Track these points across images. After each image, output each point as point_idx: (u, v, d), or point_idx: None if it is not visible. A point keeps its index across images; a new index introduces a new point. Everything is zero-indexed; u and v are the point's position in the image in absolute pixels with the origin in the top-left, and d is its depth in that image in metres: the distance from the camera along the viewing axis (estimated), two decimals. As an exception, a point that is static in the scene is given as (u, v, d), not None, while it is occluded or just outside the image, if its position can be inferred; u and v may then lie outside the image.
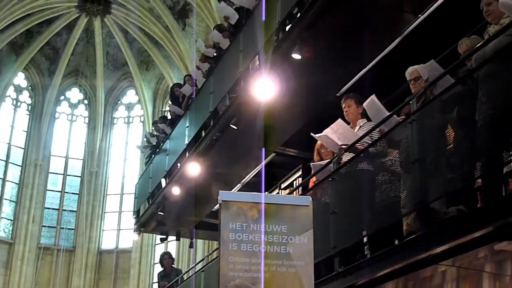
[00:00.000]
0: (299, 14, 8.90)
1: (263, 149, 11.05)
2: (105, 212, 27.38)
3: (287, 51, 9.02)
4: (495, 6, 5.48)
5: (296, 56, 8.90)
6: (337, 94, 9.53)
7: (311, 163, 7.82)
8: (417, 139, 5.87)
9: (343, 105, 7.21)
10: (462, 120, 5.59)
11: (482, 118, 5.19)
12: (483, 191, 5.55)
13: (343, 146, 6.88)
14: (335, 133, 6.94)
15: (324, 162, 7.37)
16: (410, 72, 6.53)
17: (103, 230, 27.07)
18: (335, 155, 7.13)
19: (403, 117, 6.15)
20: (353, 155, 6.83)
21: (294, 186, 12.18)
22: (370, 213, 6.60)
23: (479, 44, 5.65)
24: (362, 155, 6.74)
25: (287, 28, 9.18)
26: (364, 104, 6.71)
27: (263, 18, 9.90)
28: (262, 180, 12.07)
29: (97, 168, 27.53)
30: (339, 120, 7.03)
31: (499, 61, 5.05)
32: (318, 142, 7.66)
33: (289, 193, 10.79)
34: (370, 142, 6.71)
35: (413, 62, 6.74)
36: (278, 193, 13.00)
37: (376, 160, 6.69)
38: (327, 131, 7.01)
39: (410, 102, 6.10)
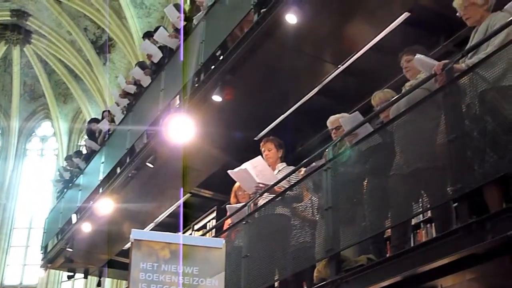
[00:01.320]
0: (222, 57, 8.97)
1: (181, 189, 10.99)
2: (10, 246, 26.44)
3: (208, 93, 9.06)
4: (413, 63, 5.68)
5: (217, 98, 8.94)
6: (255, 138, 9.61)
7: (226, 205, 7.81)
8: (331, 186, 5.95)
9: (263, 149, 7.25)
10: (375, 170, 5.71)
11: (394, 169, 5.32)
12: (392, 241, 5.66)
13: (261, 185, 6.89)
14: (254, 169, 6.95)
15: (240, 205, 7.37)
16: (332, 121, 6.65)
17: (7, 265, 26.11)
18: (251, 198, 7.14)
19: (322, 162, 6.23)
20: (269, 198, 6.85)
21: (208, 228, 12.11)
22: (282, 258, 6.61)
23: (393, 98, 5.83)
24: (278, 199, 6.77)
25: (210, 69, 9.24)
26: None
27: (181, 58, 9.95)
28: (181, 220, 11.98)
29: (5, 200, 26.64)
30: (259, 157, 7.06)
31: (413, 114, 5.21)
32: (236, 184, 7.66)
33: (202, 235, 10.72)
34: (288, 186, 6.74)
35: (334, 109, 6.89)
36: (191, 234, 12.90)
37: (292, 204, 6.73)
38: (246, 165, 7.01)
39: (327, 150, 6.20)
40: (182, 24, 10.86)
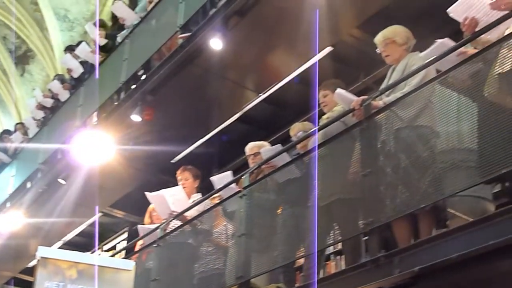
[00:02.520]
0: (144, 77, 8.91)
1: (97, 207, 10.77)
2: None
3: (127, 112, 8.97)
4: (331, 98, 5.79)
5: (136, 118, 8.86)
6: (172, 161, 9.55)
7: (138, 226, 7.69)
8: (246, 213, 5.95)
9: (180, 177, 7.17)
10: (291, 200, 5.76)
11: (311, 200, 5.37)
12: (303, 271, 5.71)
13: (174, 213, 6.83)
14: (172, 197, 6.88)
15: (153, 226, 7.27)
16: (250, 147, 6.67)
17: None
18: (164, 221, 7.06)
19: (239, 189, 6.23)
20: (181, 223, 6.79)
21: (118, 249, 11.90)
22: (191, 284, 6.55)
23: (311, 130, 5.91)
24: (189, 224, 6.72)
25: (131, 88, 9.16)
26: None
27: (97, 76, 9.84)
28: (96, 238, 11.72)
29: None
30: (180, 187, 7.00)
31: (330, 147, 5.29)
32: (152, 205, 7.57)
33: (112, 256, 10.52)
34: (200, 213, 6.70)
35: (253, 137, 6.92)
36: (100, 255, 12.64)
37: (203, 230, 6.69)
38: (165, 191, 6.94)
39: (243, 176, 6.21)
40: (97, 41, 10.73)
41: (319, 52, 7.67)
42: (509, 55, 4.04)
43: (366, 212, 4.74)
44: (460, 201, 4.77)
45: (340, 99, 5.40)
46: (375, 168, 4.74)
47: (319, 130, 5.62)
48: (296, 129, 6.40)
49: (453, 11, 4.33)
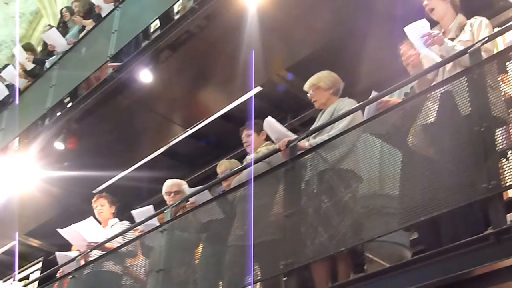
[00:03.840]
0: (70, 104, 8.78)
1: (17, 234, 10.43)
2: None
3: (50, 139, 8.80)
4: (255, 136, 5.83)
5: (59, 145, 8.70)
6: (93, 191, 9.38)
7: (56, 252, 7.45)
8: (165, 248, 5.88)
9: (95, 204, 7.03)
10: (212, 238, 5.73)
11: (233, 239, 5.36)
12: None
13: (92, 243, 6.68)
14: (85, 229, 6.74)
15: (71, 254, 7.08)
16: (168, 185, 6.62)
17: None
18: (82, 252, 6.89)
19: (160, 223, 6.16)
20: (99, 254, 6.65)
21: (31, 279, 11.54)
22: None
23: (237, 168, 5.92)
24: (109, 255, 6.58)
25: (56, 116, 9.00)
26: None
27: (17, 101, 9.66)
28: (15, 267, 11.31)
29: None
30: (91, 218, 6.86)
31: (254, 186, 5.30)
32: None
33: (24, 286, 10.18)
34: (119, 244, 6.58)
35: (177, 172, 6.88)
36: (11, 284, 12.21)
37: (123, 262, 6.57)
38: (75, 226, 6.79)
39: (165, 211, 6.15)
40: (17, 65, 10.56)
41: (250, 91, 7.75)
42: (433, 108, 4.17)
43: (286, 253, 4.74)
44: (379, 246, 4.85)
45: (268, 128, 5.40)
46: (298, 209, 4.76)
47: (243, 169, 5.64)
48: (223, 167, 6.41)
49: (408, 31, 4.42)
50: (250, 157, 5.85)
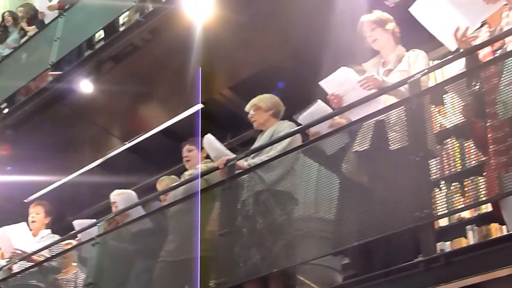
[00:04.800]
0: (7, 110, 8.60)
1: None
2: None
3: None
4: (195, 153, 5.82)
5: (-8, 151, 8.51)
6: (25, 200, 9.17)
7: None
8: (97, 262, 5.79)
9: (31, 210, 6.88)
10: (145, 253, 5.67)
11: (164, 255, 5.31)
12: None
13: (18, 251, 6.51)
14: (15, 234, 6.57)
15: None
16: (115, 194, 6.54)
17: None
18: (7, 263, 6.71)
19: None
20: (27, 265, 6.49)
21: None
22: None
23: (175, 184, 5.89)
24: (36, 268, 6.43)
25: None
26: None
27: None
28: None
29: None
30: (24, 223, 6.70)
31: (189, 203, 5.29)
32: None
33: None
34: (50, 256, 6.44)
35: (113, 184, 6.80)
36: None
37: (52, 276, 6.43)
38: (6, 228, 6.61)
39: (98, 224, 6.05)
40: None
41: (192, 107, 7.75)
42: (367, 135, 4.24)
43: (219, 272, 4.73)
44: (311, 269, 4.87)
45: (207, 145, 5.40)
46: (233, 228, 4.76)
47: (181, 185, 5.62)
48: (164, 184, 6.37)
49: (325, 84, 4.49)
50: (188, 173, 5.83)
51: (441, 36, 4.02)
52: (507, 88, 3.60)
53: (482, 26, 4.49)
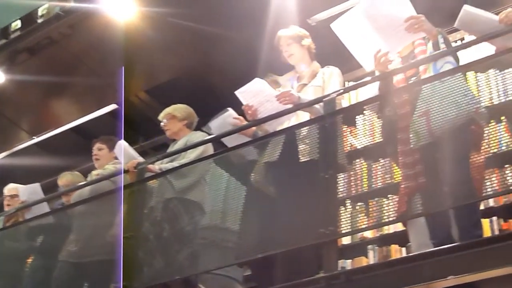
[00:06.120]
0: None
1: None
2: None
3: None
4: (105, 153, 5.74)
5: None
6: None
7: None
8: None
9: None
10: (44, 251, 5.54)
11: (64, 255, 5.20)
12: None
13: None
14: None
15: None
16: (9, 188, 6.36)
17: None
18: None
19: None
20: None
21: None
22: None
23: (82, 183, 5.79)
24: None
25: None
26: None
27: None
28: None
29: None
30: None
31: (93, 205, 5.23)
32: None
33: None
34: None
35: (16, 179, 6.62)
36: None
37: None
38: None
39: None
40: None
41: (106, 107, 7.64)
42: (278, 146, 4.29)
43: (123, 275, 4.66)
44: (213, 278, 4.87)
45: (119, 151, 5.32)
46: (138, 232, 4.72)
47: (87, 185, 5.52)
48: (65, 179, 6.23)
49: (240, 94, 4.52)
50: (96, 173, 5.74)
51: (359, 55, 4.10)
52: (420, 119, 3.71)
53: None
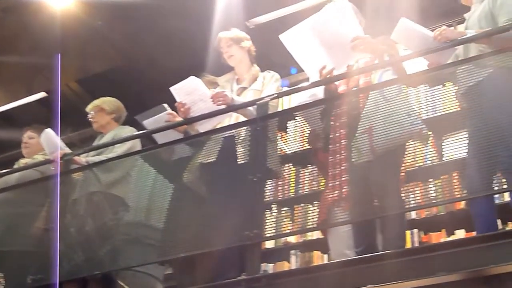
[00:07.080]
0: None
1: None
2: None
3: None
4: (36, 142, 5.60)
5: None
6: None
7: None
8: None
9: None
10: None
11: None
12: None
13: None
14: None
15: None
16: None
17: None
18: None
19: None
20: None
21: None
22: None
23: (7, 170, 5.63)
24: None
25: None
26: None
27: None
28: None
29: None
30: None
31: (22, 193, 5.10)
32: None
33: None
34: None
35: None
36: None
37: None
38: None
39: None
40: None
41: (32, 94, 7.46)
42: (215, 149, 4.28)
43: (39, 268, 4.56)
44: (133, 275, 4.82)
45: (45, 140, 5.20)
46: (60, 225, 4.61)
47: (10, 173, 5.38)
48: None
49: (174, 91, 4.48)
50: (24, 161, 5.60)
51: (307, 68, 4.14)
52: (362, 135, 3.76)
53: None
